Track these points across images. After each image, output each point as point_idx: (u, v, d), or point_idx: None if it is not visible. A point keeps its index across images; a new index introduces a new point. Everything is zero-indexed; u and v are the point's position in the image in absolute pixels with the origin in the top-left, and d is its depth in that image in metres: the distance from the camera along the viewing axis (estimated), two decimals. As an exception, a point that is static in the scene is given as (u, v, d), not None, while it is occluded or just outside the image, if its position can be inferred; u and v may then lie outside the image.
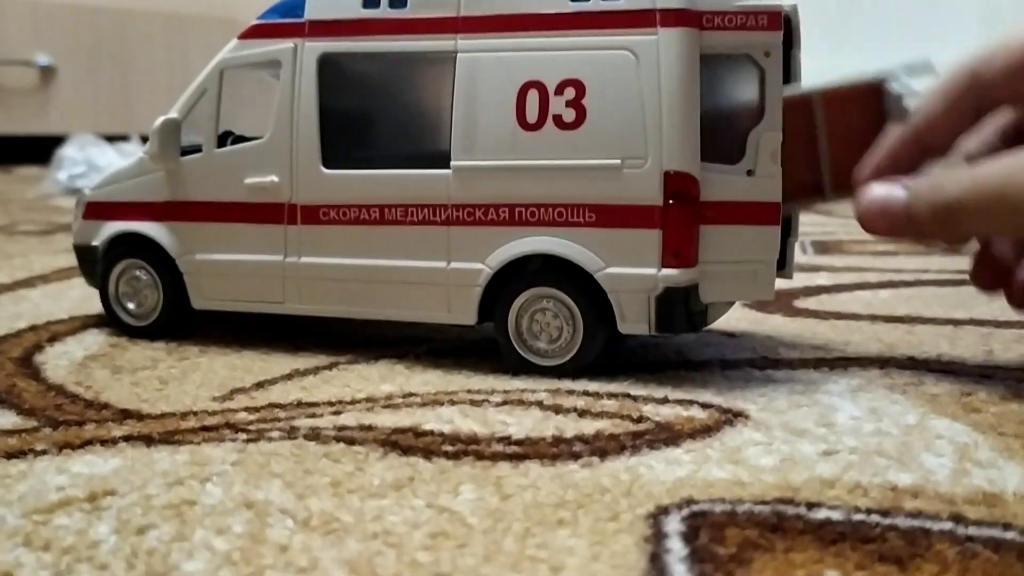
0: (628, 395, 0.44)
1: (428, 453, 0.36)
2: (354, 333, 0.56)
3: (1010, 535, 0.29)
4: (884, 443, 0.37)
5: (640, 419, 0.40)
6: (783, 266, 0.50)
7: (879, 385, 0.45)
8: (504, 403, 0.42)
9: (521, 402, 0.42)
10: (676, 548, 0.28)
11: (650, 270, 0.44)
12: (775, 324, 0.60)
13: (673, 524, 0.30)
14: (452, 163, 0.47)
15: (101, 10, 2.04)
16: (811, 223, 1.20)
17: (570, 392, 0.44)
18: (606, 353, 0.47)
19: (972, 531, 0.29)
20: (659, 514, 0.31)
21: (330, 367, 0.49)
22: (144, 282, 0.55)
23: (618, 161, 0.44)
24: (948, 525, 0.30)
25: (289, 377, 0.47)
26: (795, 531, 0.29)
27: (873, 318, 0.61)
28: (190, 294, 0.54)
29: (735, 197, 0.45)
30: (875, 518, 0.30)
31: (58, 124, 1.84)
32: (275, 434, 0.38)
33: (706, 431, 0.39)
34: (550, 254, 0.46)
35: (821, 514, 0.31)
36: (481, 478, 0.34)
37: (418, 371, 0.48)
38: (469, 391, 0.44)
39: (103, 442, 0.37)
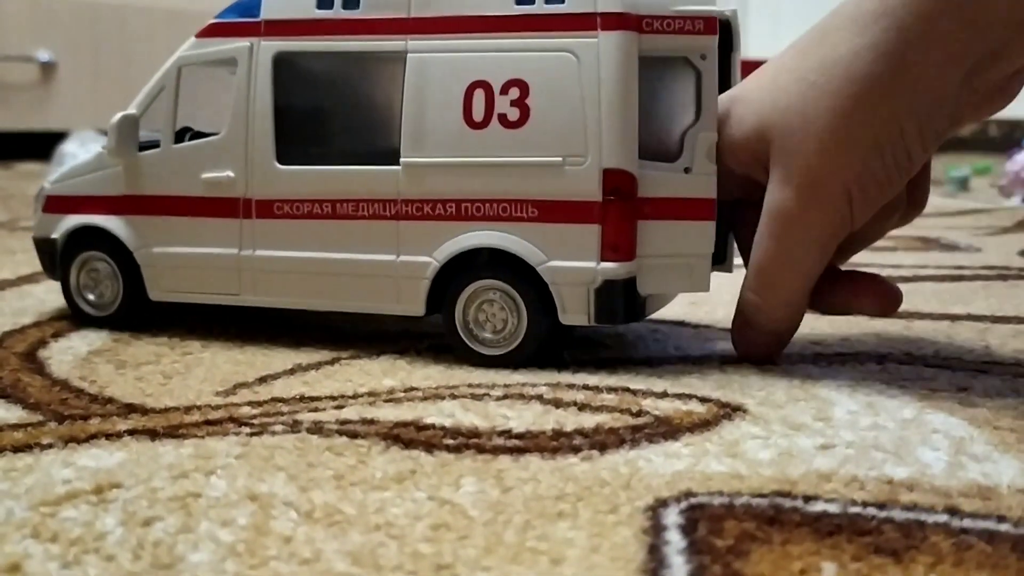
0: (628, 389, 0.44)
1: (429, 446, 0.36)
2: (356, 329, 0.57)
3: (1004, 527, 0.30)
4: (881, 437, 0.38)
5: (639, 413, 0.41)
6: (723, 260, 0.52)
7: (876, 380, 0.46)
8: (505, 397, 0.43)
9: (522, 396, 0.43)
10: (675, 540, 0.29)
11: (589, 263, 0.46)
12: (774, 319, 0.60)
13: (672, 517, 0.31)
14: (402, 159, 0.48)
15: (102, 5, 2.04)
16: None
17: (570, 386, 0.45)
18: (551, 344, 0.48)
19: (967, 523, 0.30)
20: (658, 507, 0.31)
21: (332, 362, 0.49)
22: (104, 274, 0.56)
23: (559, 159, 0.46)
24: (943, 518, 0.30)
25: (291, 372, 0.48)
26: (792, 523, 0.30)
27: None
28: (147, 286, 0.55)
29: (672, 193, 0.46)
30: (871, 511, 0.31)
31: (59, 120, 1.84)
32: (278, 428, 0.38)
33: (705, 425, 0.39)
34: (494, 248, 0.47)
35: (818, 507, 0.31)
36: (482, 471, 0.34)
37: (419, 366, 0.49)
38: (470, 385, 0.45)
39: (108, 436, 0.37)
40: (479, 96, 0.47)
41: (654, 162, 0.46)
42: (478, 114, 0.47)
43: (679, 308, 0.63)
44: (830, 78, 0.43)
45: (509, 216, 0.47)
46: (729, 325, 0.58)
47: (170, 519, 0.29)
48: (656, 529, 0.30)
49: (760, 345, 0.49)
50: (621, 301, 0.46)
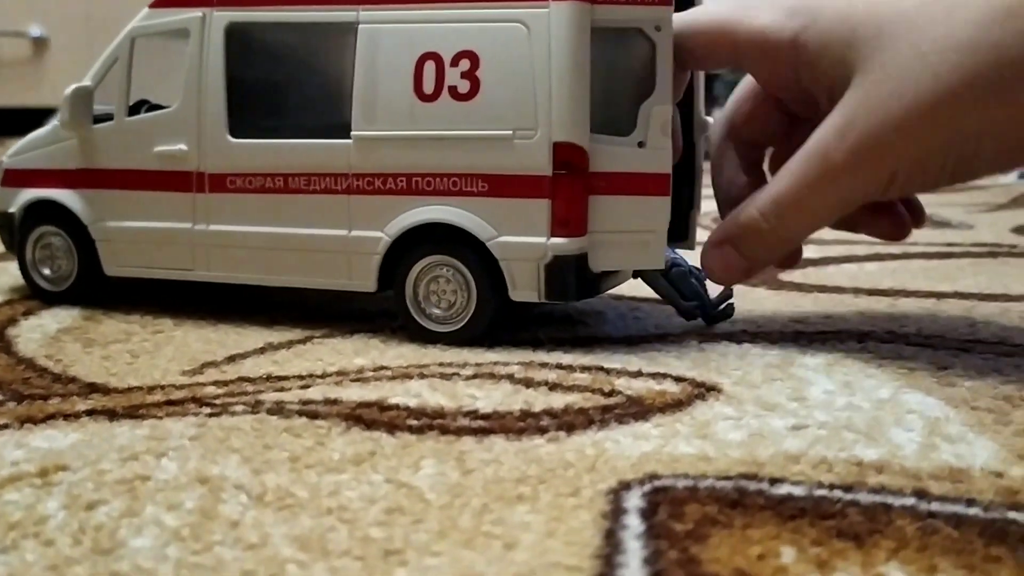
0: (602, 368, 0.43)
1: (392, 427, 0.35)
2: (331, 307, 0.56)
3: (973, 511, 0.29)
4: (854, 417, 0.37)
5: (611, 393, 0.40)
6: (685, 236, 0.52)
7: (856, 359, 0.45)
8: (475, 376, 0.42)
9: (492, 375, 0.42)
10: (633, 524, 0.28)
11: (539, 239, 0.45)
12: (758, 297, 0.59)
13: (633, 500, 0.30)
14: (353, 133, 0.48)
15: (94, -20, 2.02)
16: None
17: (543, 365, 0.44)
18: (504, 320, 0.48)
19: (935, 507, 0.29)
20: (621, 489, 0.31)
21: (304, 341, 0.49)
22: (59, 248, 0.56)
23: (510, 132, 0.45)
24: (910, 501, 0.29)
25: (262, 351, 0.47)
26: (756, 507, 0.29)
27: (857, 291, 0.60)
28: (102, 261, 0.55)
29: (626, 168, 0.46)
30: (837, 493, 0.30)
31: (51, 96, 1.82)
32: (239, 408, 0.37)
33: (677, 405, 0.39)
34: (444, 222, 0.46)
35: (783, 490, 0.30)
36: (444, 453, 0.33)
37: (393, 345, 0.48)
38: (441, 364, 0.44)
39: (66, 416, 0.37)
40: (429, 68, 0.46)
41: (607, 136, 0.46)
42: (428, 86, 0.46)
43: (663, 286, 0.62)
44: (942, 60, 0.39)
45: (459, 191, 0.46)
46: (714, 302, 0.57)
47: (115, 503, 0.29)
48: (616, 513, 0.29)
49: (734, 267, 0.47)
50: (572, 277, 0.46)
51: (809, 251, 0.76)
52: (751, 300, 0.58)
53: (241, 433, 0.34)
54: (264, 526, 0.27)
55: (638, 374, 0.43)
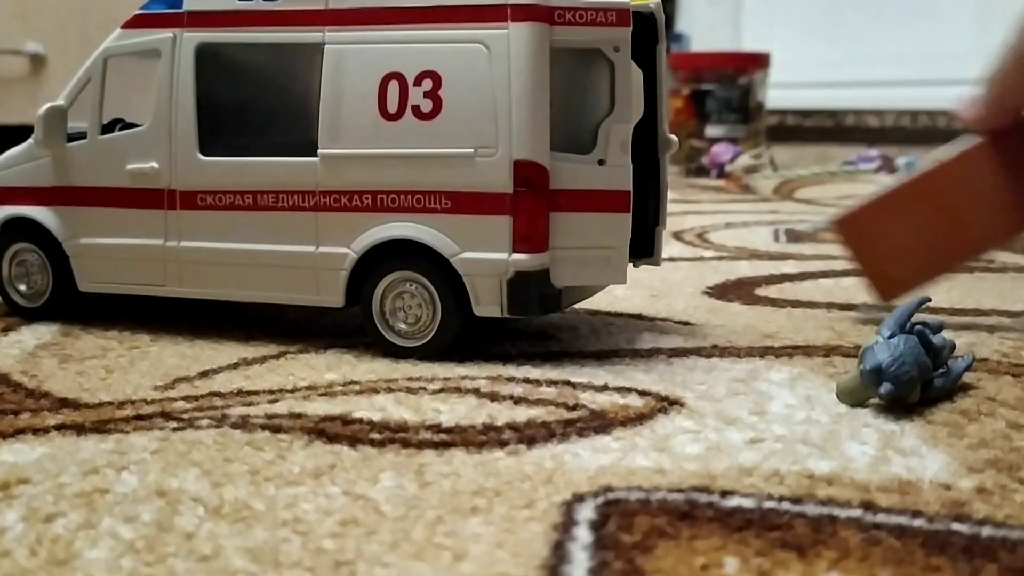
0: (568, 382, 0.44)
1: (354, 441, 0.36)
2: (307, 322, 0.56)
3: (917, 523, 0.29)
4: (811, 431, 0.37)
5: (576, 407, 0.41)
6: (651, 253, 0.53)
7: (820, 374, 0.45)
8: (441, 390, 0.42)
9: (458, 389, 0.43)
10: (582, 536, 0.29)
11: (501, 255, 0.46)
12: (732, 312, 0.60)
13: (586, 512, 0.30)
14: (319, 151, 0.48)
15: (90, -2, 2.03)
16: (790, 211, 1.20)
17: (510, 379, 0.44)
18: (468, 335, 0.49)
19: (880, 518, 0.30)
20: (574, 502, 0.31)
21: (278, 356, 0.49)
22: (34, 265, 0.57)
23: (471, 150, 0.46)
24: (857, 512, 0.30)
25: (235, 366, 0.47)
26: (704, 518, 0.30)
27: (829, 306, 0.61)
28: (76, 277, 0.55)
29: (586, 186, 0.46)
30: (785, 505, 0.30)
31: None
32: (204, 422, 0.38)
33: (639, 419, 0.39)
34: (409, 239, 0.47)
35: (733, 502, 0.31)
36: (403, 466, 0.34)
37: (366, 360, 0.48)
38: (410, 379, 0.45)
39: (35, 431, 0.37)
40: (393, 88, 0.47)
41: (568, 154, 0.46)
42: (392, 105, 0.47)
43: (639, 301, 0.63)
44: None
45: (423, 208, 0.47)
46: (687, 318, 0.58)
47: (73, 515, 0.29)
48: (567, 525, 0.29)
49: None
50: (535, 293, 0.46)
51: (787, 267, 0.76)
52: (724, 315, 0.59)
53: (203, 447, 0.35)
54: (218, 538, 0.28)
55: (604, 388, 0.43)
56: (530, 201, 0.46)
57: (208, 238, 0.51)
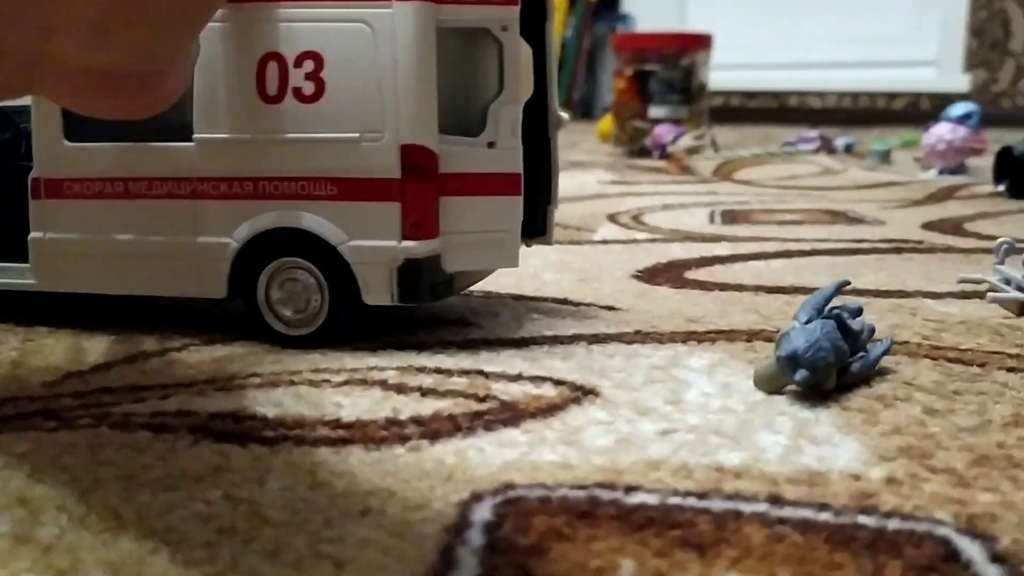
0: (481, 372, 0.42)
1: (245, 439, 0.34)
2: (219, 312, 0.54)
3: (823, 516, 0.28)
4: (725, 421, 0.36)
5: (486, 398, 0.39)
6: (544, 232, 0.52)
7: (741, 360, 0.44)
8: (346, 383, 0.41)
9: (364, 381, 0.41)
10: (474, 539, 0.27)
11: (391, 242, 0.44)
12: (659, 296, 0.59)
13: (482, 512, 0.29)
14: (195, 136, 0.46)
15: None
16: (727, 192, 1.19)
17: (420, 369, 0.42)
18: (359, 324, 0.47)
19: (786, 512, 0.28)
20: (472, 501, 0.29)
21: (180, 349, 0.47)
22: None
23: (357, 134, 0.44)
24: (763, 507, 0.29)
25: (133, 359, 0.45)
26: (605, 517, 0.28)
27: (757, 289, 0.60)
28: None
29: (476, 169, 0.45)
30: (690, 501, 0.29)
31: None
32: (85, 422, 0.35)
33: (550, 410, 0.38)
34: (294, 228, 0.45)
35: (637, 498, 0.29)
36: (295, 466, 0.32)
37: (276, 351, 0.46)
38: (315, 370, 0.43)
39: (-98, 434, 0.35)
40: (272, 69, 0.44)
41: (457, 137, 0.45)
42: (272, 88, 0.44)
43: (566, 285, 0.61)
44: None
45: (308, 195, 0.45)
46: (612, 302, 0.57)
47: (-81, 529, 0.27)
48: (459, 528, 0.28)
49: None
50: (426, 280, 0.45)
51: (720, 249, 0.76)
52: (651, 299, 0.57)
53: (76, 450, 0.33)
54: (78, 550, 0.26)
55: (518, 377, 0.42)
56: (419, 186, 0.44)
57: (77, 229, 0.48)
